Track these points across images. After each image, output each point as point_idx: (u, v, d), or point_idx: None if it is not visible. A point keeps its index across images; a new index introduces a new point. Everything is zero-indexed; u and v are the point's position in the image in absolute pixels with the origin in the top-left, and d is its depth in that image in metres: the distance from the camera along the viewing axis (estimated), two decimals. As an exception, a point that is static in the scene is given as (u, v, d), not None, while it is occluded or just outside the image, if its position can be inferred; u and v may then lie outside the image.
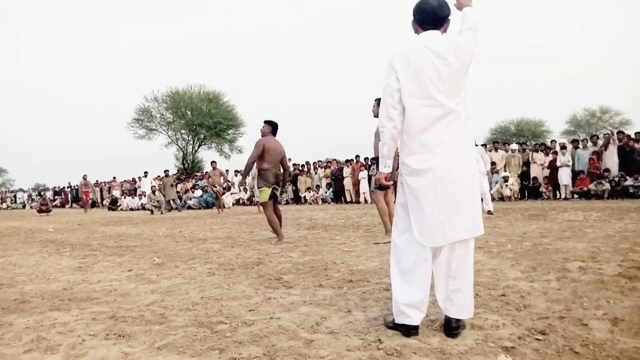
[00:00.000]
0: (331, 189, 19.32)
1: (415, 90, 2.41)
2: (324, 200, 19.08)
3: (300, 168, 20.65)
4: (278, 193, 6.75)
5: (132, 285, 4.02)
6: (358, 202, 18.08)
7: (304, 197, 19.45)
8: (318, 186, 19.59)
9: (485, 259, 4.48)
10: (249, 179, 20.29)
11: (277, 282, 3.85)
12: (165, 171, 20.54)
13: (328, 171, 19.56)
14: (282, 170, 6.76)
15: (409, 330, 2.46)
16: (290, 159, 20.44)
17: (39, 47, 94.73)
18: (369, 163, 17.03)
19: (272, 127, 6.85)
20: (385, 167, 2.61)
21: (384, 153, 2.54)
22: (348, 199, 18.57)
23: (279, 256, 5.22)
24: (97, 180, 27.40)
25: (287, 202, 19.92)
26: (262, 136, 6.77)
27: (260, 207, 14.22)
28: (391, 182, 2.77)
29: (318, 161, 21.23)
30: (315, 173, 20.20)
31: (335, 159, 20.85)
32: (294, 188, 19.93)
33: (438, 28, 2.49)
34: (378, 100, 6.04)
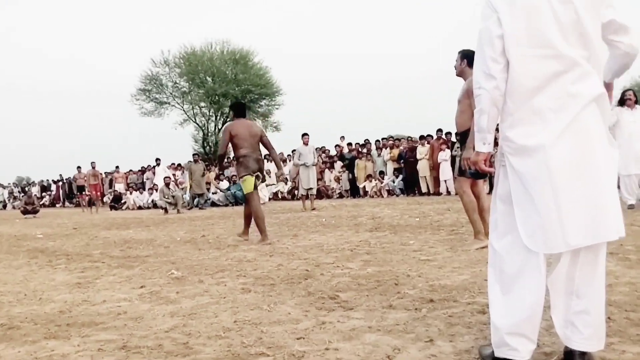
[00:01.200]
0: (400, 177, 19.22)
1: (524, 36, 2.35)
2: (390, 192, 19.04)
3: (358, 149, 20.63)
4: (259, 182, 7.81)
5: (145, 306, 4.18)
6: (437, 193, 17.93)
7: (364, 187, 19.48)
8: (382, 173, 19.54)
9: (621, 268, 4.35)
10: (288, 166, 20.57)
11: (333, 302, 3.90)
12: (194, 155, 21.21)
13: (395, 152, 19.45)
14: (262, 154, 7.88)
15: None
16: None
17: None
18: (453, 140, 16.80)
19: (234, 110, 8.07)
20: (484, 145, 2.54)
21: (482, 125, 2.49)
22: (424, 189, 18.44)
23: (333, 267, 5.28)
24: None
25: (341, 195, 20.01)
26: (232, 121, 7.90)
27: (308, 202, 14.42)
28: (492, 168, 2.67)
29: (382, 139, 21.14)
30: (379, 155, 20.15)
31: (405, 137, 20.72)
32: (350, 176, 19.95)
33: None
34: (463, 54, 5.94)
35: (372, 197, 18.84)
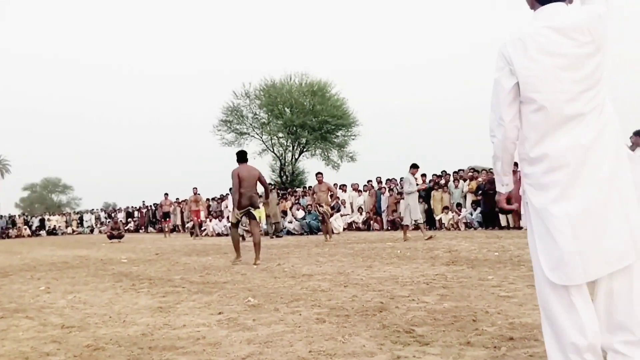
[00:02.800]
0: (478, 209, 18.81)
1: (539, 83, 2.43)
2: (468, 225, 18.64)
3: (434, 180, 20.39)
4: (255, 212, 9.87)
5: (223, 332, 4.27)
6: (518, 227, 17.39)
7: (440, 219, 19.18)
8: (459, 205, 19.20)
9: None
10: (345, 196, 20.53)
11: (408, 336, 3.85)
12: (270, 184, 21.64)
13: (474, 184, 19.09)
14: (257, 191, 9.72)
15: None
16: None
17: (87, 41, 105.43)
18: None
19: (239, 156, 9.89)
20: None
21: (498, 169, 2.70)
22: (503, 222, 17.93)
23: (409, 300, 5.21)
24: (177, 199, 29.50)
25: (417, 227, 19.79)
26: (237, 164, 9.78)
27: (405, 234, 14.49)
28: (515, 205, 2.92)
29: (459, 170, 20.82)
30: (456, 187, 19.84)
31: (484, 168, 20.30)
32: (426, 207, 19.72)
33: None
34: None
35: (449, 229, 18.51)
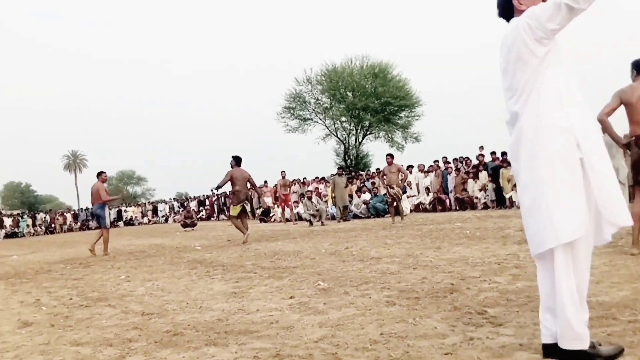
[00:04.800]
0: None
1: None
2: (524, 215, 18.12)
3: (501, 156, 19.87)
4: (247, 207, 12.78)
5: (295, 316, 4.35)
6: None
7: (510, 197, 18.72)
8: (529, 182, 18.66)
9: None
10: (415, 175, 20.27)
11: (480, 317, 3.81)
12: (339, 169, 21.73)
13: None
14: (248, 189, 12.65)
15: None
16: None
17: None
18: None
19: (235, 161, 12.49)
20: None
21: None
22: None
23: (480, 281, 5.14)
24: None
25: (486, 206, 19.41)
26: (231, 167, 12.41)
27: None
28: None
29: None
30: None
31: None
32: (494, 186, 19.28)
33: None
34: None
35: (520, 207, 18.06)
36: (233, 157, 12.45)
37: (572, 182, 2.67)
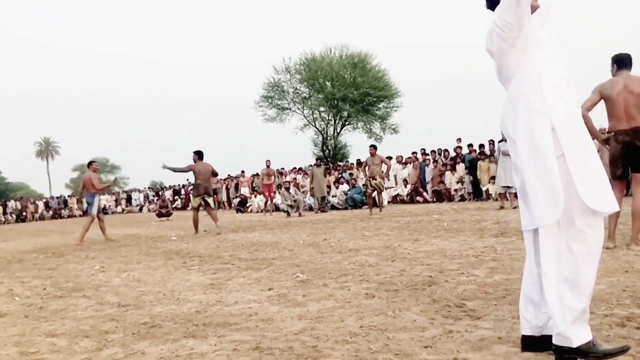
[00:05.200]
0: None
1: None
2: (517, 195, 18.33)
3: (478, 148, 20.04)
4: (210, 200, 13.12)
5: (274, 308, 4.35)
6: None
7: (486, 190, 18.91)
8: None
9: None
10: (394, 167, 20.38)
11: (459, 310, 3.85)
12: (317, 159, 21.64)
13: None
14: (210, 182, 13.42)
15: None
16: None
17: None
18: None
19: (198, 155, 13.03)
20: None
21: None
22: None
23: (458, 274, 5.19)
24: (228, 175, 29.81)
25: (463, 198, 19.58)
26: (194, 162, 12.98)
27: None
28: None
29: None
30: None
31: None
32: (472, 178, 19.46)
33: None
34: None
35: (497, 199, 18.24)
36: (195, 152, 13.13)
37: (546, 166, 2.68)
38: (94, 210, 13.15)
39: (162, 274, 6.79)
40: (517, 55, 2.79)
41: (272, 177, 22.03)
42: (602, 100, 5.94)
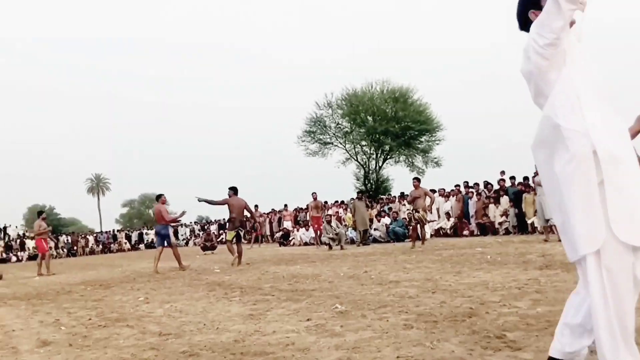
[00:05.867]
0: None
1: None
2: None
3: (523, 180, 19.69)
4: (242, 233, 13.92)
5: (312, 338, 4.33)
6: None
7: (531, 223, 18.51)
8: (552, 207, 18.41)
9: None
10: (438, 203, 20.17)
11: (499, 341, 3.76)
12: (358, 193, 21.61)
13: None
14: (244, 216, 14.34)
15: None
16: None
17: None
18: None
19: (233, 191, 13.76)
20: None
21: None
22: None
23: (500, 305, 5.08)
24: (261, 211, 30.02)
25: (508, 232, 19.20)
26: (229, 197, 13.73)
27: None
28: None
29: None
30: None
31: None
32: (516, 211, 19.09)
33: None
34: None
35: (542, 233, 17.82)
36: (230, 187, 13.87)
37: (588, 191, 2.54)
38: (173, 239, 14.46)
39: (204, 304, 6.85)
40: (554, 73, 2.69)
41: (320, 209, 21.93)
42: None
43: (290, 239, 25.89)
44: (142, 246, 43.06)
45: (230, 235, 13.91)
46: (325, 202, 27.97)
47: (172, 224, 15.28)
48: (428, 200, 16.44)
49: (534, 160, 2.85)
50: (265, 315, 5.62)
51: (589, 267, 2.54)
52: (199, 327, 5.31)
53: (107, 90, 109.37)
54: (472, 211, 20.72)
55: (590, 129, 2.56)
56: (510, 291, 5.89)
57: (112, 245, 43.01)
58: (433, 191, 21.40)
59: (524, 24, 2.89)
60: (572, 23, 2.71)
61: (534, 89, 2.82)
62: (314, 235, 22.28)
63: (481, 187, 21.65)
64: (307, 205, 27.07)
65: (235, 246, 13.79)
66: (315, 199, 21.93)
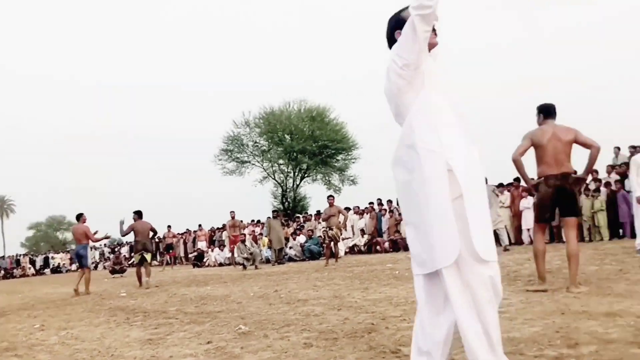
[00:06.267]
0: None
1: None
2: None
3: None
4: (148, 256, 14.11)
5: (207, 362, 4.21)
6: (520, 242, 17.32)
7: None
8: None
9: None
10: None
11: (393, 356, 3.79)
12: (274, 212, 21.40)
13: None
14: (150, 239, 14.49)
15: None
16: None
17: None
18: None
19: (138, 215, 14.09)
20: None
21: None
22: (505, 240, 17.81)
23: (400, 320, 5.14)
24: (174, 232, 29.20)
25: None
26: (134, 221, 14.02)
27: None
28: None
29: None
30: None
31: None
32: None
33: None
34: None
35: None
36: (135, 212, 14.23)
37: (443, 207, 2.63)
38: (89, 262, 14.52)
39: (103, 330, 6.55)
40: (413, 93, 2.76)
41: (238, 228, 21.49)
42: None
43: (204, 259, 25.44)
44: (47, 271, 40.99)
45: (136, 258, 14.27)
46: (241, 221, 27.68)
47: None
48: (342, 217, 16.61)
49: (393, 178, 2.89)
50: (165, 340, 5.43)
51: (447, 281, 2.64)
52: (93, 354, 5.06)
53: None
54: (385, 228, 21.08)
55: (446, 150, 2.67)
56: (412, 306, 5.98)
57: (15, 270, 40.70)
58: (347, 209, 21.66)
59: (392, 44, 2.94)
60: (434, 45, 2.81)
61: (394, 109, 2.89)
62: (229, 255, 21.96)
63: (394, 204, 22.09)
64: (224, 225, 26.73)
65: (143, 269, 13.86)
66: (233, 217, 21.55)
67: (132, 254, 15.46)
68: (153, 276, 14.18)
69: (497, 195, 15.78)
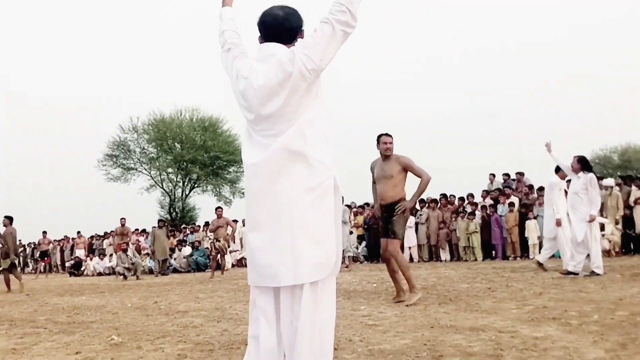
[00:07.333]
0: (364, 243, 19.22)
1: None
2: (354, 259, 18.93)
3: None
4: (15, 261, 14.36)
5: (73, 373, 4.04)
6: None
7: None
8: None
9: (560, 333, 4.36)
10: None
11: (267, 367, 3.80)
12: (159, 221, 20.74)
13: (360, 219, 19.51)
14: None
15: None
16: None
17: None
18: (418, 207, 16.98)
19: (9, 220, 14.26)
20: None
21: None
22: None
23: (278, 333, 5.17)
24: (50, 238, 27.71)
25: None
26: (5, 226, 14.16)
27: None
28: None
29: (349, 205, 21.18)
30: (344, 223, 20.12)
31: (368, 203, 20.83)
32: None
33: None
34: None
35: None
36: (5, 216, 14.41)
37: (336, 220, 2.79)
38: None
39: (-39, 340, 6.10)
40: (308, 100, 2.70)
41: (126, 236, 20.62)
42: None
43: (82, 268, 24.28)
44: None
45: (5, 263, 14.06)
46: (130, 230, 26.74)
47: None
48: (230, 229, 16.51)
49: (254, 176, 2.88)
50: (30, 350, 5.14)
51: (329, 287, 2.84)
52: (-54, 365, 4.72)
53: None
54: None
55: (333, 164, 2.75)
56: (292, 319, 6.05)
57: None
58: (235, 221, 21.53)
59: (288, 38, 2.82)
60: None
61: (279, 106, 2.68)
62: (109, 264, 21.15)
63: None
64: (105, 233, 25.70)
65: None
66: (123, 225, 20.67)
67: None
68: (27, 283, 13.50)
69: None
